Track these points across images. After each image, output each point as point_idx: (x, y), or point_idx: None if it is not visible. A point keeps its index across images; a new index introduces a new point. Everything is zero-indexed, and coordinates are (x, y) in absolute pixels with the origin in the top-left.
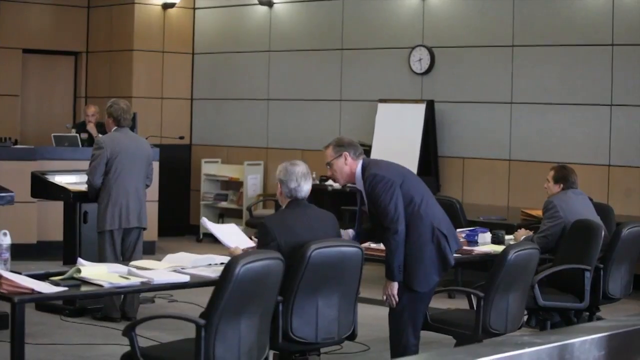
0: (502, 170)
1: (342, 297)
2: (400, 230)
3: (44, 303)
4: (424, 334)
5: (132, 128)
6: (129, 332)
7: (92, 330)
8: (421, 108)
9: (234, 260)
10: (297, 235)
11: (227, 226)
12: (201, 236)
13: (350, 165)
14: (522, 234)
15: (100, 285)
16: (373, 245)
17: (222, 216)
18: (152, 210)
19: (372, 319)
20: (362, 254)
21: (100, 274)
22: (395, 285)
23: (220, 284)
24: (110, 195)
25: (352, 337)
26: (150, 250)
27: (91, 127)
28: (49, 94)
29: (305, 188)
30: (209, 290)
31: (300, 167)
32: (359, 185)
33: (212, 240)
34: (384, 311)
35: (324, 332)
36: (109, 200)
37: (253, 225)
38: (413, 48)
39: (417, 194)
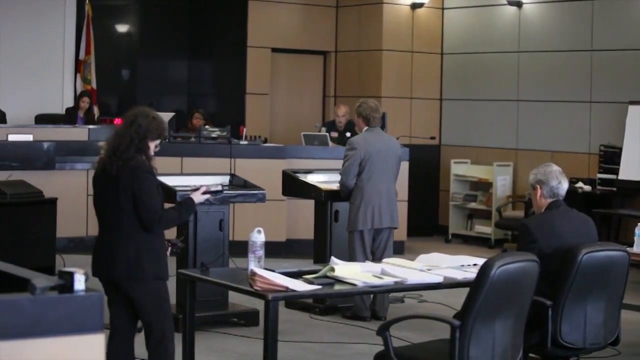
0: None
1: (608, 302)
2: None
3: (293, 301)
4: None
5: (382, 128)
6: (383, 332)
7: (341, 328)
8: None
9: (490, 262)
10: (561, 237)
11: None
12: (450, 237)
13: None
14: None
15: (354, 284)
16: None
17: (470, 217)
18: (401, 210)
19: (623, 323)
20: (628, 258)
21: (354, 273)
22: None
23: (475, 286)
24: (363, 196)
25: (616, 342)
26: (399, 250)
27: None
28: (298, 92)
29: (565, 186)
30: (458, 291)
31: (556, 167)
32: None
33: (461, 241)
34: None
35: (592, 337)
36: (361, 200)
37: (503, 227)
38: None
39: None
